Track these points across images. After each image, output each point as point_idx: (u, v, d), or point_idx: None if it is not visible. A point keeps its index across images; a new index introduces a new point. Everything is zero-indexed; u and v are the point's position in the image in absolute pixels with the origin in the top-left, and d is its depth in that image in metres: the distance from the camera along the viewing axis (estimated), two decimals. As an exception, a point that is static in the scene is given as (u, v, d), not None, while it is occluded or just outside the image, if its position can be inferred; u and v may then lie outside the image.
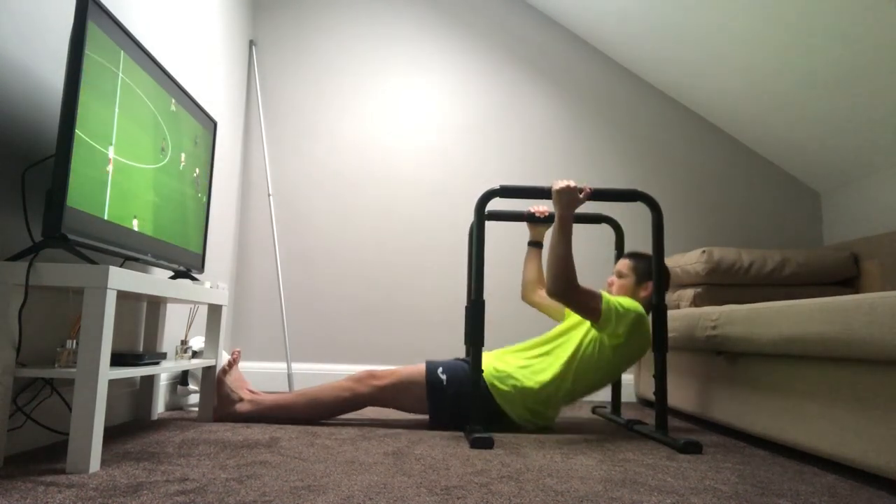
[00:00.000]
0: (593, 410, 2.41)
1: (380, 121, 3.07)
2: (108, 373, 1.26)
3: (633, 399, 2.92)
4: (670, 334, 2.21)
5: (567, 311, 2.12)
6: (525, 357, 2.00)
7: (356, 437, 1.70)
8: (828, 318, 1.39)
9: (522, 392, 1.89)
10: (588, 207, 2.70)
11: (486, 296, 2.83)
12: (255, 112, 3.03)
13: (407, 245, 3.00)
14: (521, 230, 2.92)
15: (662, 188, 3.13)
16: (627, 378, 2.91)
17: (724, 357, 1.94)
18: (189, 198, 1.88)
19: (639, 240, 2.98)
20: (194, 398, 2.23)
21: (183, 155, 1.82)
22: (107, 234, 1.39)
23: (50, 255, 1.44)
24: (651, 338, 1.86)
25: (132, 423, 1.85)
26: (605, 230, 3.03)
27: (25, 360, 1.40)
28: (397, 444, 1.62)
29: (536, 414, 1.91)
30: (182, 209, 1.83)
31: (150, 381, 1.94)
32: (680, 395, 2.25)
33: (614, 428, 2.03)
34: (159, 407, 2.12)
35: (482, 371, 1.81)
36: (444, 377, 1.91)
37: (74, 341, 1.37)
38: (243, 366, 2.85)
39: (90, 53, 1.30)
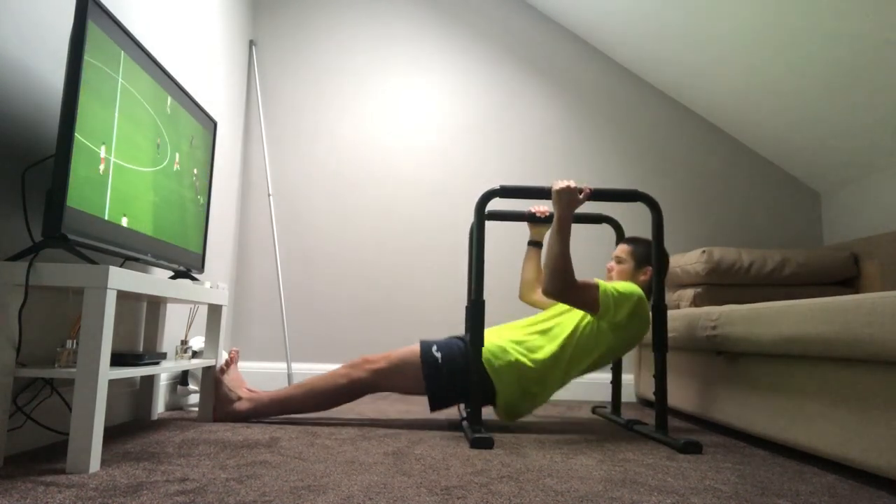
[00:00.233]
0: (593, 410, 2.41)
1: (380, 121, 3.07)
2: (108, 373, 1.26)
3: (633, 399, 2.92)
4: (670, 334, 2.21)
5: None
6: (523, 333, 1.98)
7: (356, 437, 1.70)
8: (828, 318, 1.39)
9: (519, 369, 1.87)
10: (588, 207, 2.71)
11: (486, 296, 2.83)
12: (255, 112, 3.03)
13: (407, 245, 3.00)
14: (521, 230, 2.92)
15: (662, 188, 3.13)
16: (627, 378, 2.91)
17: (724, 357, 1.94)
18: (188, 198, 1.88)
19: (639, 240, 2.98)
20: (194, 398, 2.23)
21: (180, 154, 1.82)
22: (107, 234, 1.39)
23: (50, 255, 1.44)
24: (651, 321, 1.86)
25: (132, 423, 1.85)
26: (605, 230, 3.03)
27: (25, 360, 1.40)
28: (397, 444, 1.62)
29: (527, 396, 1.90)
30: (181, 209, 1.83)
31: (150, 381, 1.94)
32: (680, 395, 2.25)
33: (614, 428, 2.03)
34: (159, 407, 2.12)
35: (482, 371, 1.81)
36: (438, 355, 1.89)
37: (74, 341, 1.37)
38: (243, 366, 2.85)
39: (90, 54, 1.30)
